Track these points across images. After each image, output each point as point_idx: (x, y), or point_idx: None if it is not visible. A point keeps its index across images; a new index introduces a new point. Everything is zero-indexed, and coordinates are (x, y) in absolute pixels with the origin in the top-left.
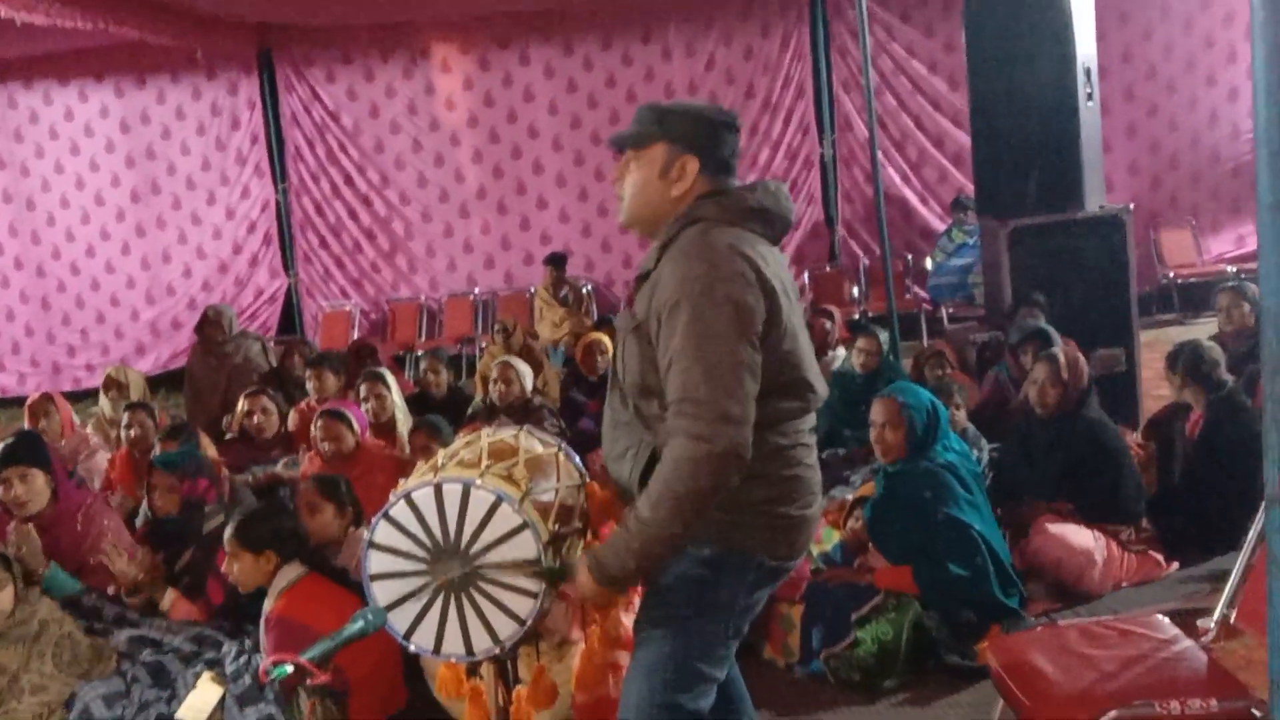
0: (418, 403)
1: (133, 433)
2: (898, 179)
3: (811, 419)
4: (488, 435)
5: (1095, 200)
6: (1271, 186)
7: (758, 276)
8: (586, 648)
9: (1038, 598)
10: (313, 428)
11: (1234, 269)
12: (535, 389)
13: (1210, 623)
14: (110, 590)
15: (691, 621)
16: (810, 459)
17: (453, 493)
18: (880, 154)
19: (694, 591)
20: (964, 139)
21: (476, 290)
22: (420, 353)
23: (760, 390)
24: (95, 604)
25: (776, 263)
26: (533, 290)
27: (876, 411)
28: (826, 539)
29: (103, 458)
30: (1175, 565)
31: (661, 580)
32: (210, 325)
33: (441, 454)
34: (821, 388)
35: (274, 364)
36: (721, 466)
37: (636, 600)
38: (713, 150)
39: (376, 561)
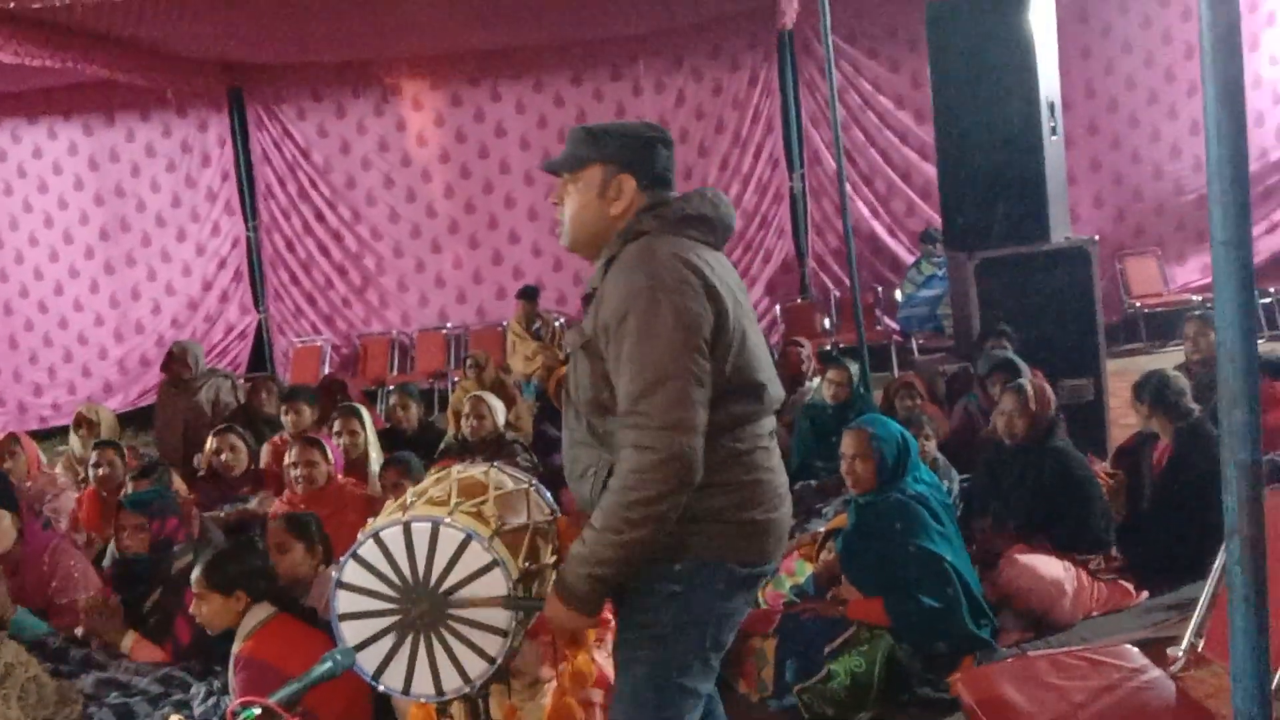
0: (389, 438)
1: (101, 471)
2: (867, 212)
3: (770, 423)
4: (457, 472)
5: (1061, 232)
6: (1224, 223)
7: (703, 283)
8: (558, 687)
9: (1009, 628)
10: (288, 456)
11: (1199, 298)
12: (508, 423)
13: (1179, 651)
14: (77, 632)
15: (670, 638)
16: (771, 463)
17: (421, 531)
18: (849, 187)
19: (667, 607)
20: (931, 172)
21: (449, 325)
22: (391, 388)
23: (714, 396)
24: (61, 646)
25: (722, 267)
26: (505, 324)
27: (847, 443)
28: (799, 571)
29: (70, 498)
30: (1145, 594)
31: (635, 600)
32: (176, 363)
33: (410, 492)
34: (776, 389)
35: (242, 401)
36: (669, 474)
37: (609, 638)
38: (648, 166)
39: (345, 601)
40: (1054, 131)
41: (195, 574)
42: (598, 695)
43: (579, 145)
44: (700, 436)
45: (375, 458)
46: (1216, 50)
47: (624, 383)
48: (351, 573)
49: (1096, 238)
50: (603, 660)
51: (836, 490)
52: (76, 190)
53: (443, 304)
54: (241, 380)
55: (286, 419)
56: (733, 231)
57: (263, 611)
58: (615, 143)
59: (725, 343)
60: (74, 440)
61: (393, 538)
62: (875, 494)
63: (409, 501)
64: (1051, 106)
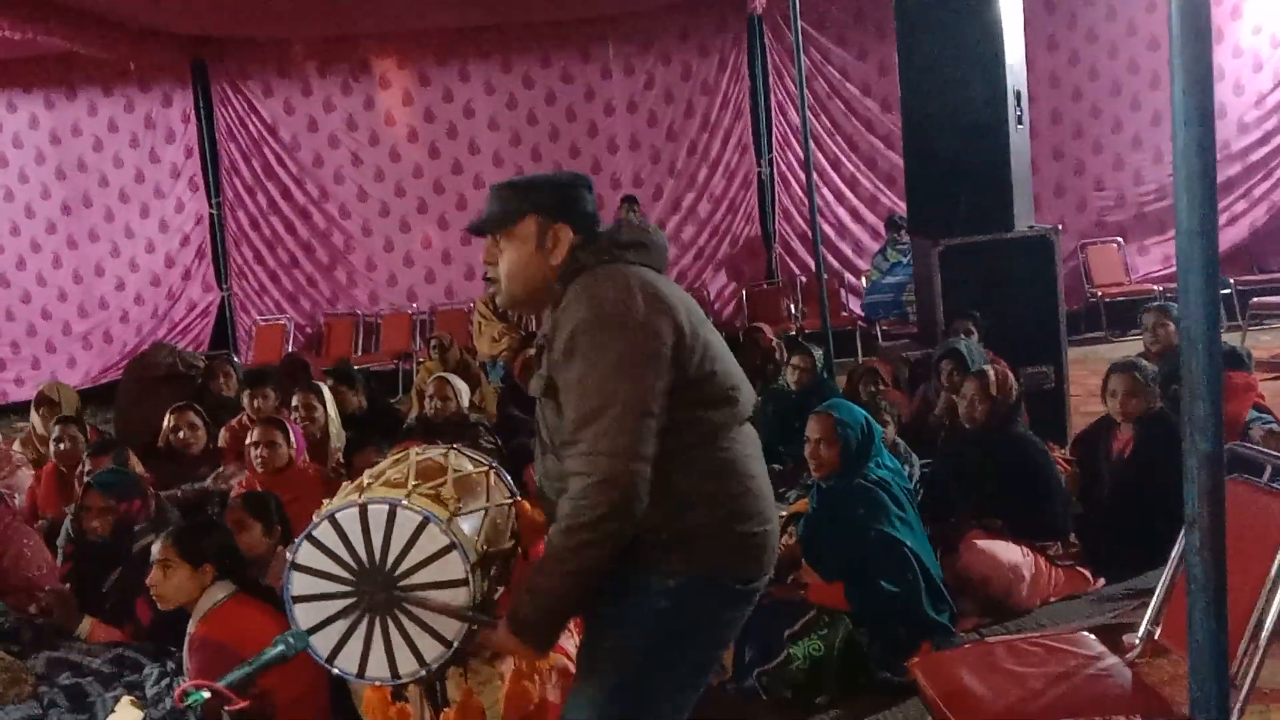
0: (351, 421)
1: (63, 447)
2: (832, 198)
3: (750, 431)
4: (416, 455)
5: (1024, 220)
6: (1189, 211)
7: (650, 302)
8: (515, 670)
9: (968, 613)
10: (249, 436)
11: (1160, 288)
12: (472, 405)
13: (1135, 638)
14: (31, 609)
15: (647, 653)
16: (758, 470)
17: (378, 513)
18: (815, 174)
19: (652, 621)
20: (897, 160)
21: (414, 305)
22: (357, 368)
23: (691, 405)
24: (13, 625)
25: (668, 285)
26: (472, 305)
27: (812, 427)
28: None
29: (25, 475)
30: (1102, 580)
31: (623, 605)
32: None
33: (367, 474)
34: (748, 392)
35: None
36: (604, 499)
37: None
38: (580, 211)
39: (299, 583)
40: (1020, 120)
41: (164, 542)
42: (560, 660)
43: (509, 200)
44: (644, 464)
45: (335, 435)
46: (1185, 36)
47: (569, 413)
48: (306, 554)
49: (1060, 227)
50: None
51: (799, 475)
52: (38, 164)
53: (411, 283)
54: (202, 360)
55: (252, 403)
56: (667, 257)
57: (221, 591)
58: (544, 192)
59: (688, 350)
60: (35, 418)
61: (348, 519)
62: (838, 478)
63: (366, 483)
64: (1018, 95)
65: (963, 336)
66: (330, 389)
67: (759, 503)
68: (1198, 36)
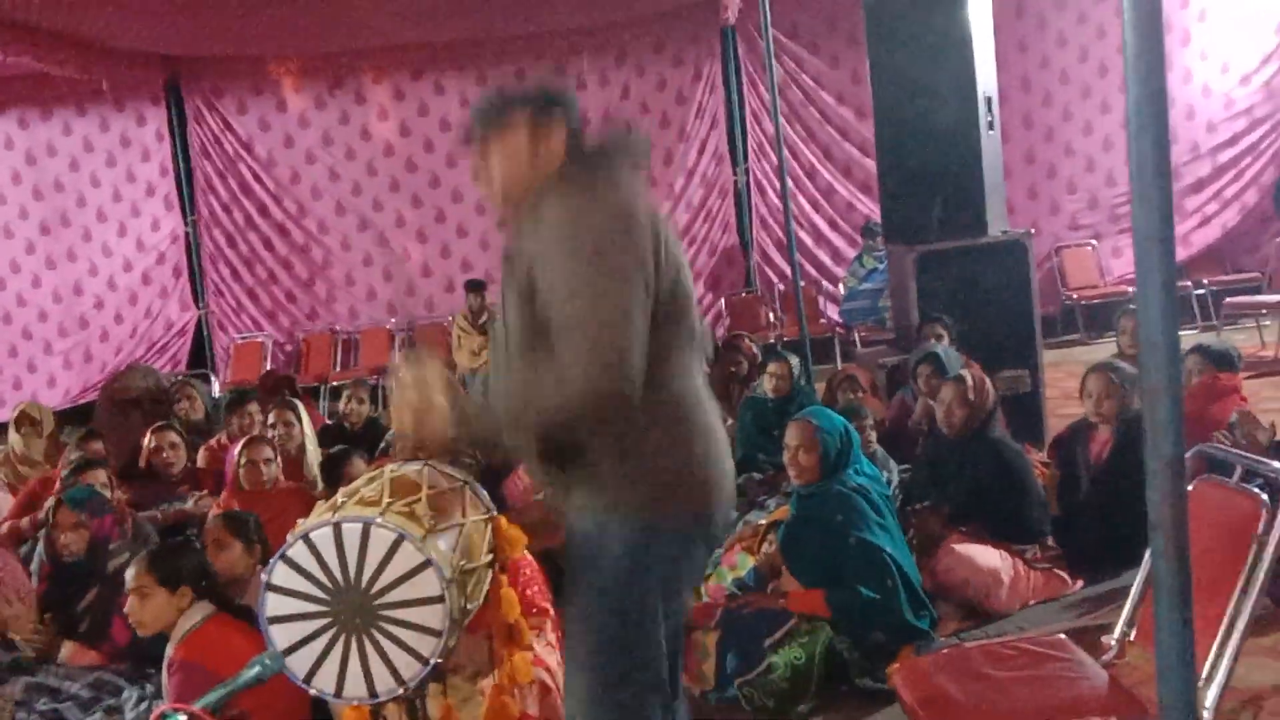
0: (334, 435)
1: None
2: (809, 206)
3: (701, 369)
4: (390, 471)
5: (998, 225)
6: (1147, 220)
7: (630, 215)
8: (495, 685)
9: (947, 617)
10: (239, 455)
11: (1134, 290)
12: None
13: (1112, 640)
14: (10, 635)
15: (625, 599)
16: (710, 407)
17: (352, 532)
18: (791, 182)
19: (619, 569)
20: (872, 167)
21: (393, 320)
22: (335, 384)
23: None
24: None
25: (642, 196)
26: (451, 318)
27: (791, 434)
28: (741, 564)
29: (3, 499)
30: (1080, 583)
31: (585, 564)
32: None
33: (341, 492)
34: (706, 339)
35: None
36: (590, 399)
37: (548, 627)
38: (571, 105)
39: (274, 604)
40: (991, 126)
41: (137, 568)
42: (543, 674)
43: (498, 100)
44: (634, 385)
45: (312, 452)
46: (1139, 46)
47: (561, 342)
48: (281, 575)
49: (1032, 230)
50: (541, 649)
51: (778, 482)
52: (14, 184)
53: (390, 298)
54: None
55: (240, 423)
56: (648, 151)
57: (199, 612)
58: (535, 91)
59: (660, 274)
60: (14, 438)
61: (323, 539)
62: (817, 485)
63: (340, 502)
64: (989, 101)
65: (933, 341)
66: (346, 399)
67: (710, 437)
68: (1151, 43)
